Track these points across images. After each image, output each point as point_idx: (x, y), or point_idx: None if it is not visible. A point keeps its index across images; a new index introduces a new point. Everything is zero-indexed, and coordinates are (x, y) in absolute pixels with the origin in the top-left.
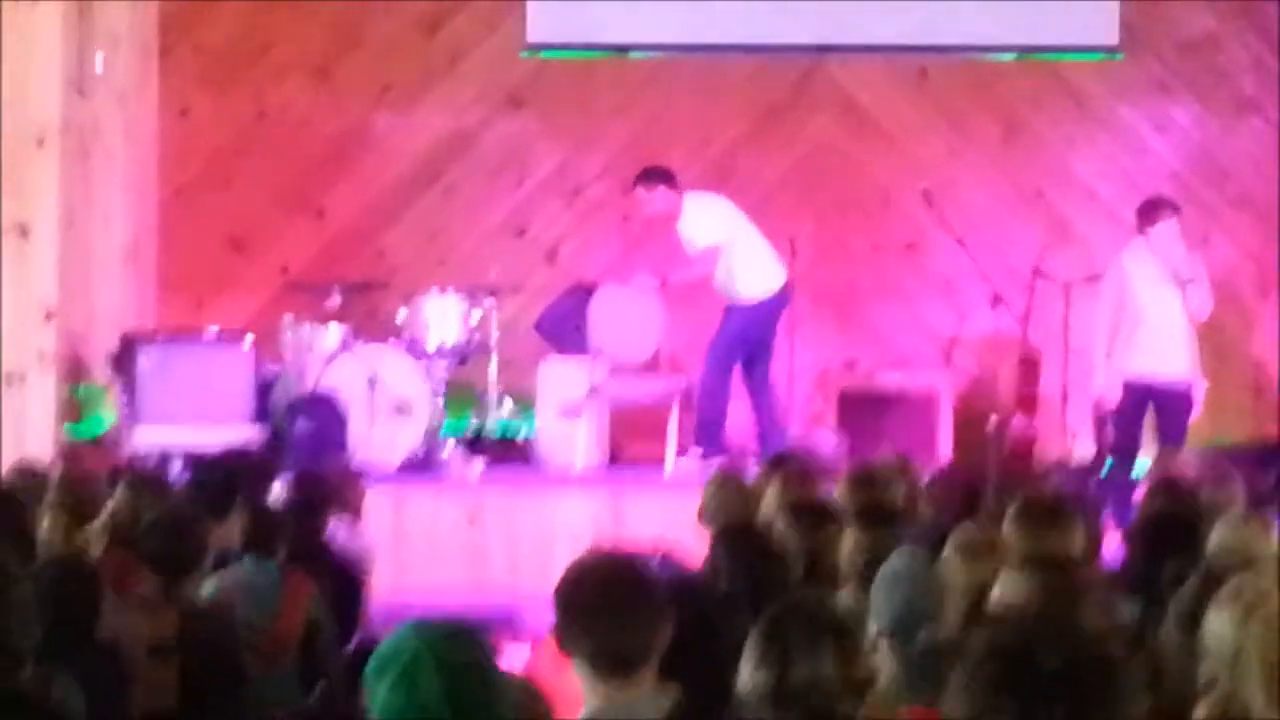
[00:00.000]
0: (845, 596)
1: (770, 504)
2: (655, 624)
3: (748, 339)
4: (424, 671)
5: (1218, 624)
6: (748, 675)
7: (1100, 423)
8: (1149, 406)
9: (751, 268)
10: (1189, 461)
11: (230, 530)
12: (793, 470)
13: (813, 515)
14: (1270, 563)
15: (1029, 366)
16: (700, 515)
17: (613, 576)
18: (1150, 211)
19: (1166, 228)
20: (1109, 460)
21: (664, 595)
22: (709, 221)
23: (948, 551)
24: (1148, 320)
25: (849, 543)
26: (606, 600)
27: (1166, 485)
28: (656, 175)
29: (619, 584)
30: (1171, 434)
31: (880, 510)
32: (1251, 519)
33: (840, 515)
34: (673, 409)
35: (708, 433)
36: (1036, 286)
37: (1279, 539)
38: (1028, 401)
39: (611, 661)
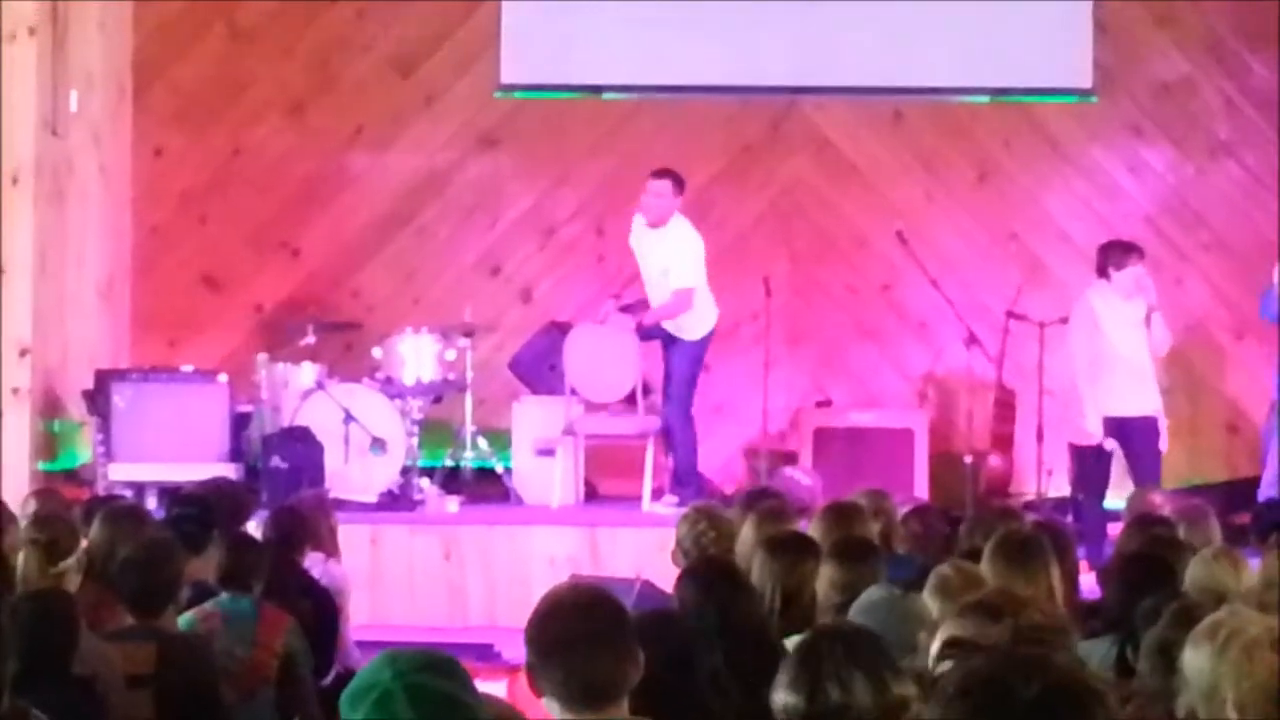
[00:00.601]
0: None
1: (746, 541)
2: (627, 657)
3: (696, 377)
4: (398, 702)
5: (1195, 658)
6: (780, 698)
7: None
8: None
9: (703, 307)
10: (1164, 500)
11: (207, 564)
12: (768, 507)
13: (789, 550)
14: (1244, 598)
15: (1003, 406)
16: (674, 556)
17: (584, 609)
18: (1118, 256)
19: (1132, 273)
20: (1079, 496)
21: (635, 628)
22: (695, 259)
23: (927, 590)
24: (1116, 359)
25: (825, 578)
26: (578, 633)
27: (1142, 523)
28: (671, 174)
29: (590, 617)
30: (1143, 470)
31: (857, 546)
32: (1224, 555)
33: (817, 550)
34: (648, 446)
35: (685, 478)
36: (1010, 327)
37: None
38: (1002, 440)
39: (583, 695)
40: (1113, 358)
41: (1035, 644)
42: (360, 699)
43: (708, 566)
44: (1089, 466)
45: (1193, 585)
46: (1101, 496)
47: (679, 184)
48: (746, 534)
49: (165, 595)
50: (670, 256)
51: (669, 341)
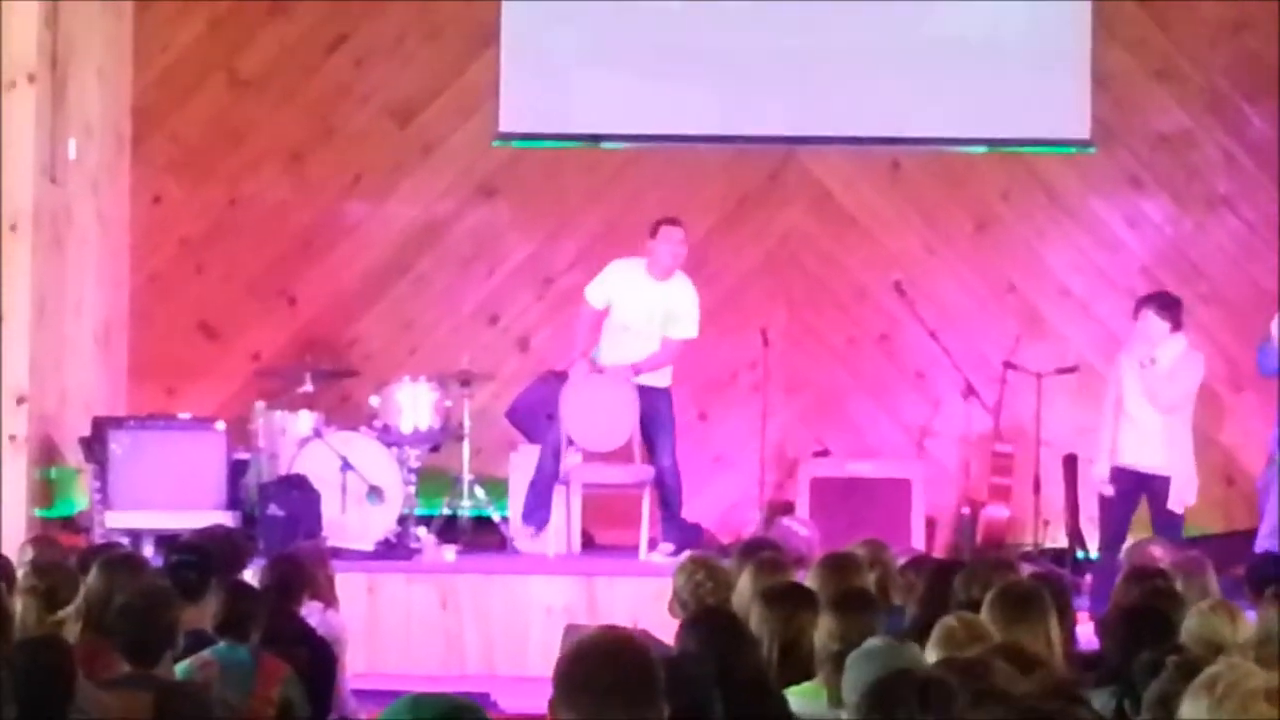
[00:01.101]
0: (816, 683)
1: (743, 591)
2: (649, 706)
3: None
4: None
5: (1193, 710)
6: None
7: (1073, 511)
8: (1138, 496)
9: None
10: (1163, 552)
11: (204, 612)
12: (765, 558)
13: (786, 601)
14: (1241, 650)
15: (1001, 457)
16: (671, 607)
17: (612, 656)
18: (1143, 305)
19: (1149, 321)
20: (1097, 547)
21: (662, 675)
22: (696, 313)
23: (931, 642)
24: (1126, 411)
25: (824, 628)
26: (604, 679)
27: (1140, 575)
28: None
29: (617, 664)
30: (1159, 523)
31: (855, 597)
32: (1222, 608)
33: (814, 601)
34: (645, 495)
35: (680, 526)
36: (1008, 378)
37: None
38: (1000, 491)
39: None
40: (1124, 409)
41: (1062, 698)
42: None
43: (709, 616)
44: (1105, 515)
45: (1190, 637)
46: (1118, 546)
47: (677, 224)
48: (744, 584)
49: (161, 644)
50: (677, 307)
51: (651, 391)
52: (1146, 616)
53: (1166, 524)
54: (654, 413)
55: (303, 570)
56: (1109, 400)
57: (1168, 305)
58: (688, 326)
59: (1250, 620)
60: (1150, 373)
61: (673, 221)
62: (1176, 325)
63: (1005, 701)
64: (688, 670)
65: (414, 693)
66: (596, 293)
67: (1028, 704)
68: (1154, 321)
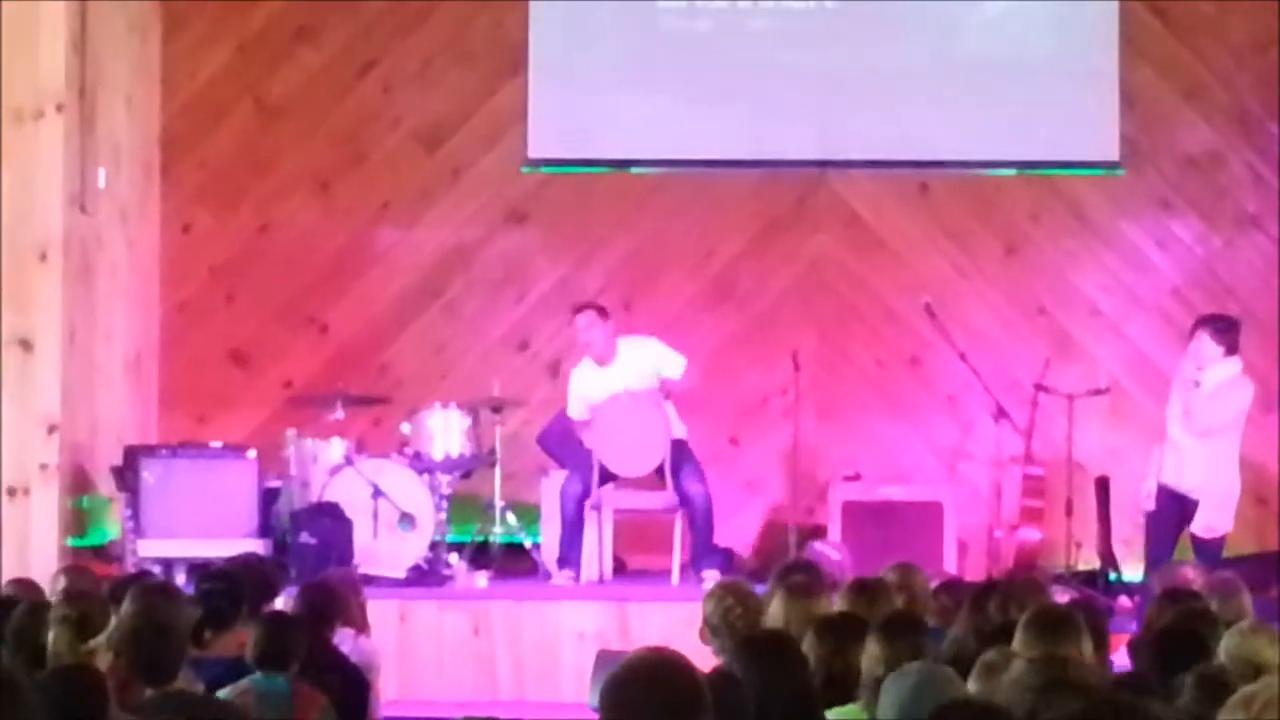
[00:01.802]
0: (858, 706)
1: (775, 616)
2: None
3: None
4: None
5: None
6: None
7: (1105, 533)
8: (1179, 516)
9: None
10: (1195, 573)
11: (234, 639)
12: (797, 582)
13: (840, 630)
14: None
15: (1032, 479)
16: (701, 634)
17: (659, 678)
18: (1198, 326)
19: (1202, 343)
20: (1143, 569)
21: (710, 699)
22: (665, 349)
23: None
24: (1168, 431)
25: (870, 653)
26: (650, 703)
27: (1173, 596)
28: (592, 305)
29: (664, 687)
30: (1196, 546)
31: (902, 621)
32: (1261, 629)
33: (861, 627)
34: (677, 520)
35: (716, 550)
36: (1039, 400)
37: None
38: (1031, 514)
39: None
40: (1167, 430)
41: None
42: None
43: (760, 639)
44: (1149, 534)
45: (1229, 658)
46: (1157, 566)
47: (603, 312)
48: (776, 609)
49: (173, 660)
50: (644, 363)
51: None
52: (1181, 638)
53: (1202, 547)
54: (676, 457)
55: (335, 597)
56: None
57: (1224, 329)
58: (672, 364)
59: None
60: (1192, 395)
61: (576, 310)
62: (1231, 349)
63: (1081, 694)
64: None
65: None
66: (575, 407)
67: (1103, 695)
68: (1207, 344)
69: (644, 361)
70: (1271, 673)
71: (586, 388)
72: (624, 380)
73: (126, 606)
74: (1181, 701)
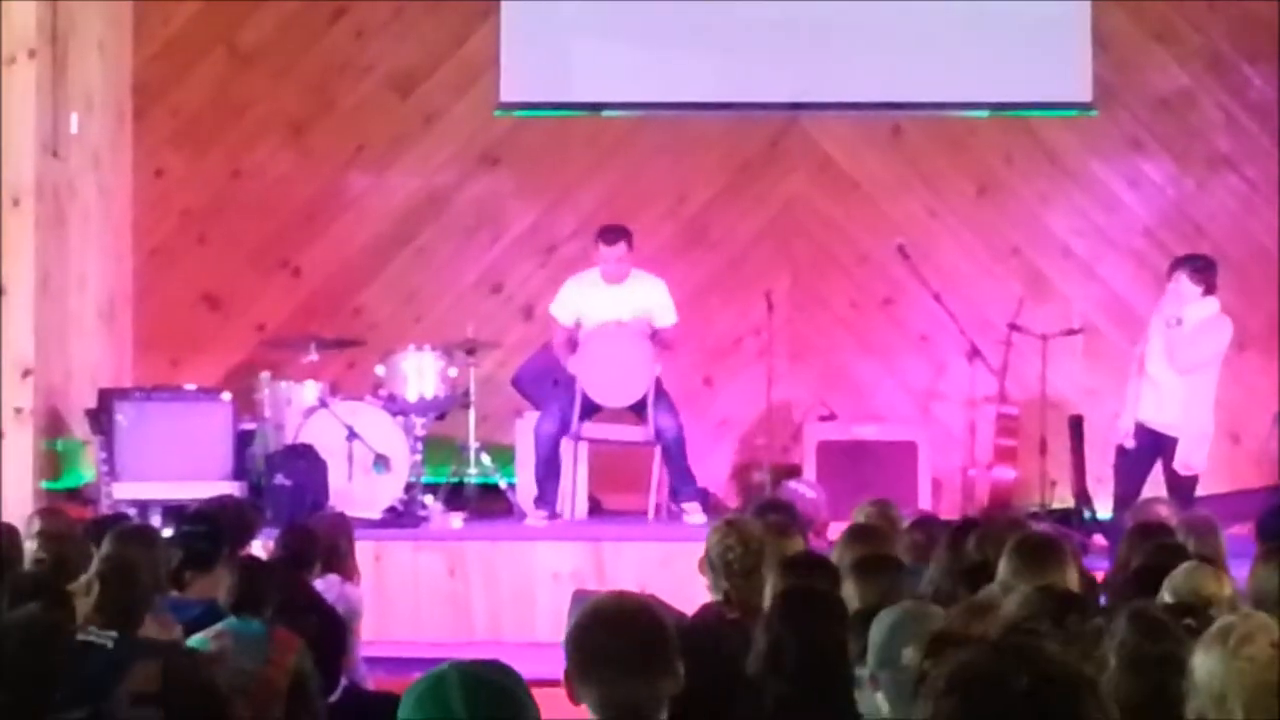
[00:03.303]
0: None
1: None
2: (664, 675)
3: None
4: (451, 687)
5: (1205, 662)
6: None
7: (1079, 472)
8: (1154, 454)
9: None
10: (1170, 511)
11: (214, 582)
12: (774, 521)
13: (800, 565)
14: (1230, 605)
15: (1006, 419)
16: (701, 565)
17: (625, 624)
18: (1176, 267)
19: (1181, 283)
20: (1111, 506)
21: (677, 642)
22: (670, 301)
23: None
24: (1147, 370)
25: (847, 594)
26: (617, 649)
27: (1144, 532)
28: (626, 234)
29: (630, 632)
30: (1170, 484)
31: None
32: (1205, 566)
33: (828, 566)
34: (655, 455)
35: (694, 482)
36: (1012, 340)
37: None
38: (1005, 453)
39: (619, 710)
40: (1144, 368)
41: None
42: (418, 686)
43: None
44: (1119, 471)
45: (1173, 592)
46: (1127, 506)
47: (631, 242)
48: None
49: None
50: (647, 301)
51: None
52: (1154, 574)
53: (1178, 485)
54: (654, 395)
55: (315, 541)
56: (1136, 357)
57: (1201, 268)
58: (668, 314)
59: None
60: (1174, 333)
61: (610, 239)
62: (1209, 289)
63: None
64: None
65: (452, 661)
66: (563, 311)
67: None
68: (1185, 284)
69: (648, 298)
70: (1221, 607)
71: (583, 299)
72: (625, 306)
73: (103, 549)
74: (1118, 638)
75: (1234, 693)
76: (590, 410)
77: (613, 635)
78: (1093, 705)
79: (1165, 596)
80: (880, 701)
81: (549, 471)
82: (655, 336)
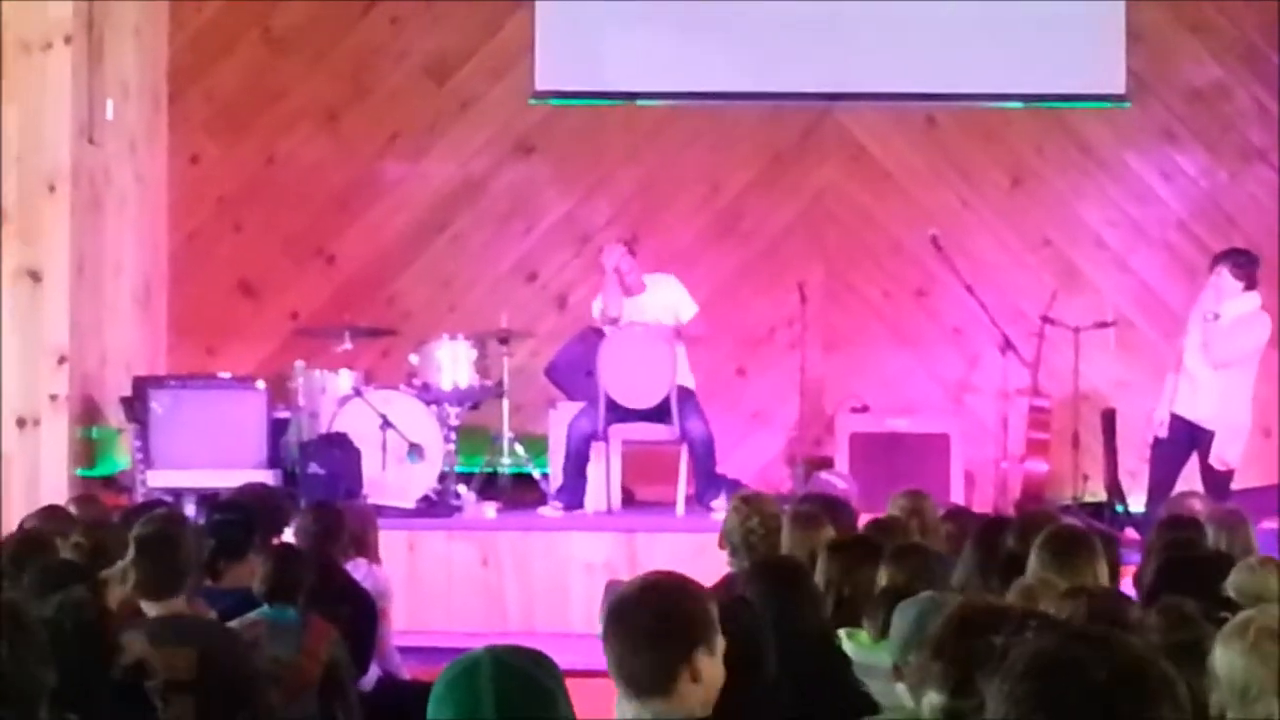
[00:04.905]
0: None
1: (787, 541)
2: (673, 653)
3: None
4: (483, 671)
5: (1225, 656)
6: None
7: (1111, 465)
8: (1189, 447)
9: None
10: (1202, 505)
11: (246, 569)
12: (804, 512)
13: (850, 552)
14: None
15: (1039, 411)
16: (720, 540)
17: (641, 601)
18: (1218, 261)
19: (1222, 277)
20: (1145, 499)
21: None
22: (686, 293)
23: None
24: (1184, 363)
25: (881, 581)
26: (628, 624)
27: (1172, 525)
28: (626, 240)
29: (642, 610)
30: (1205, 478)
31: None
32: (1270, 563)
33: (877, 552)
34: (683, 451)
35: (719, 481)
36: (1045, 332)
37: None
38: (1038, 446)
39: (626, 684)
40: (1182, 362)
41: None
42: (451, 669)
43: (775, 565)
44: (1154, 464)
45: (1237, 592)
46: (1164, 496)
47: (631, 248)
48: (784, 539)
49: (178, 575)
50: (667, 300)
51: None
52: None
53: (1213, 480)
54: (681, 399)
55: (341, 518)
56: (1176, 350)
57: (1244, 263)
58: (688, 305)
59: None
60: (1211, 327)
61: (618, 243)
62: (1250, 284)
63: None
64: (744, 616)
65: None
66: (601, 312)
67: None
68: (1227, 278)
69: (668, 298)
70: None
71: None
72: (650, 314)
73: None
74: (1151, 634)
75: (1258, 686)
76: (620, 410)
77: (625, 610)
78: (1169, 707)
79: (1229, 593)
80: (902, 693)
81: (577, 467)
82: (681, 333)
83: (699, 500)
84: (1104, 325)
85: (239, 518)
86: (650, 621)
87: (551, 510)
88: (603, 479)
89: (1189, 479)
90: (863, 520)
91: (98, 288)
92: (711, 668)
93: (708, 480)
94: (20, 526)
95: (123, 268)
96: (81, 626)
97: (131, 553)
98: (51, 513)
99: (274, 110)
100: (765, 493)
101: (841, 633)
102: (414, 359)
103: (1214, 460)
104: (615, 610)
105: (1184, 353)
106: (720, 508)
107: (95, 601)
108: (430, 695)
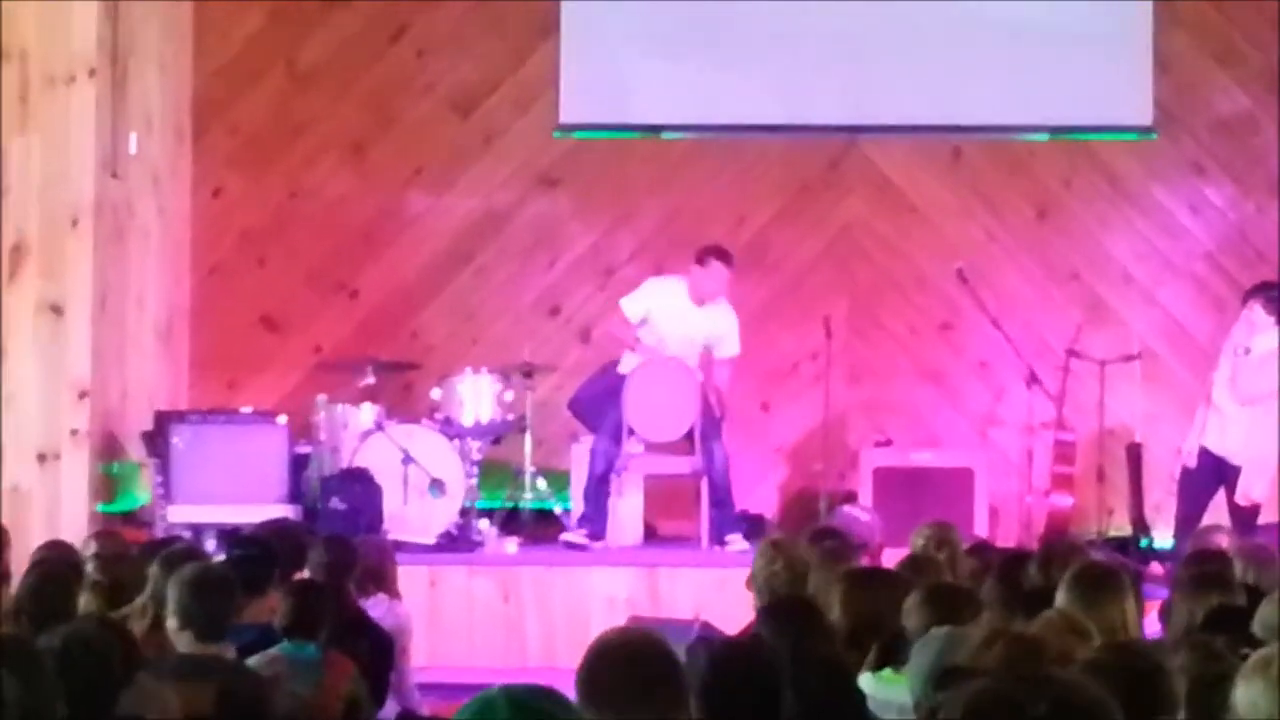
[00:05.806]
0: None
1: (815, 578)
2: (674, 707)
3: None
4: (499, 708)
5: (1248, 693)
6: None
7: (1137, 499)
8: (1217, 481)
9: None
10: (1229, 540)
11: (266, 605)
12: (829, 547)
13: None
14: None
15: (1064, 445)
16: (748, 581)
17: (632, 658)
18: (1251, 295)
19: (1254, 312)
20: (1172, 533)
21: (684, 675)
22: (737, 333)
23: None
24: (1213, 397)
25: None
26: (625, 683)
27: (1198, 559)
28: (729, 255)
29: (639, 666)
30: (1232, 513)
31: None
32: None
33: (895, 585)
34: (704, 484)
35: (737, 517)
36: (1071, 366)
37: None
38: (1063, 480)
39: None
40: (1210, 395)
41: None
42: (466, 709)
43: (786, 604)
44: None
45: (1263, 626)
46: (1188, 532)
47: (731, 264)
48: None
49: (223, 619)
50: (718, 329)
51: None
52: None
53: (1240, 514)
54: (706, 426)
55: (354, 551)
56: (1208, 384)
57: (1275, 298)
58: (732, 345)
59: None
60: (1240, 361)
61: (725, 259)
62: None
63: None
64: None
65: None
66: (634, 308)
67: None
68: (1259, 313)
69: (718, 326)
70: None
71: (661, 304)
72: (698, 330)
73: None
74: (1177, 664)
75: None
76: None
77: (616, 669)
78: None
79: (1256, 630)
80: None
81: (599, 490)
82: (713, 367)
83: (714, 538)
84: (1130, 358)
85: (259, 553)
86: (654, 676)
87: (574, 536)
88: (624, 513)
89: (1216, 513)
90: (887, 555)
91: (120, 322)
92: None
93: (725, 518)
94: (31, 561)
95: (145, 302)
96: (92, 660)
97: (176, 594)
98: (57, 547)
99: (298, 143)
100: (793, 538)
101: (867, 674)
102: (436, 393)
103: (1240, 496)
104: (609, 671)
105: (1214, 386)
106: (735, 541)
107: (107, 635)
108: None
